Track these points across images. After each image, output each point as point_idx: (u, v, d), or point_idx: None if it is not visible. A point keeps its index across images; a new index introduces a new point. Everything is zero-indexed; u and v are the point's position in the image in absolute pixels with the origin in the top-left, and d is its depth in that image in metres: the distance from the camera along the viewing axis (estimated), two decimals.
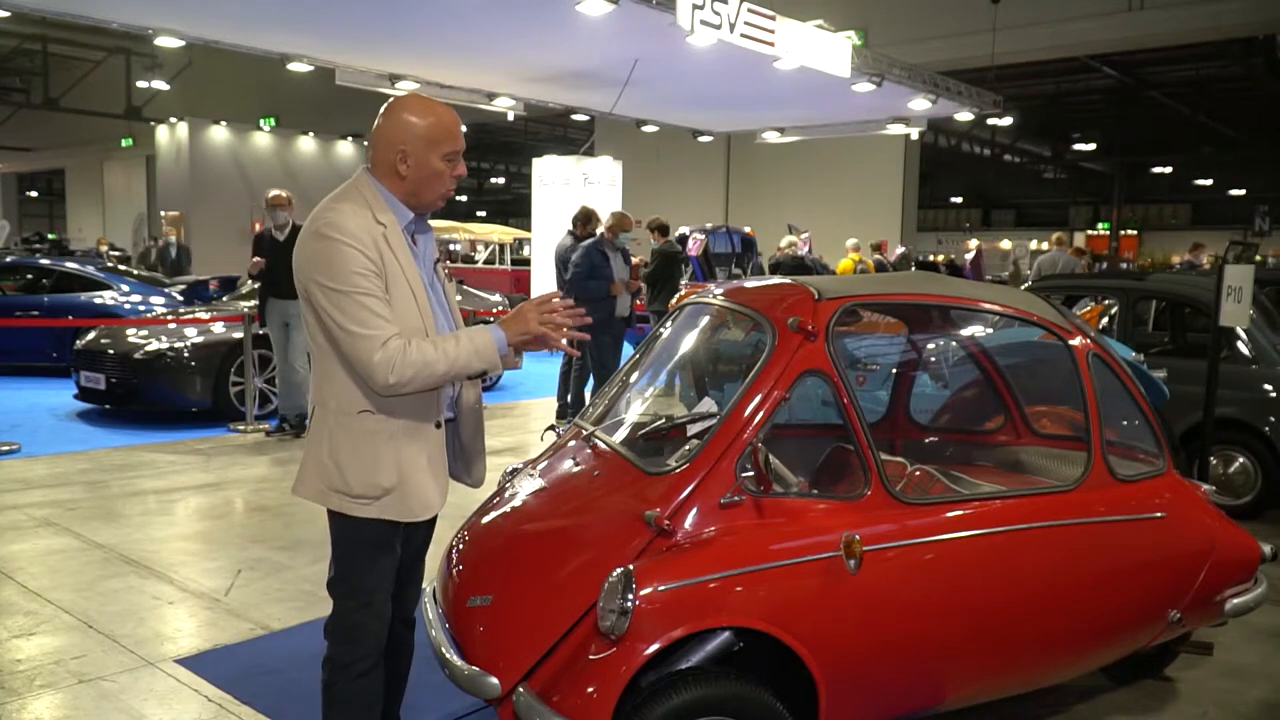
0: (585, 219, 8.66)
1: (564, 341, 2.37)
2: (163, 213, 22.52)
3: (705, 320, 3.64)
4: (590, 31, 9.71)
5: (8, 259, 12.37)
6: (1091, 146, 33.55)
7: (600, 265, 7.93)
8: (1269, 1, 13.88)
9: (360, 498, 2.35)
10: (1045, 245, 11.94)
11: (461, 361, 2.28)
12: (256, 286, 8.06)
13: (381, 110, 2.41)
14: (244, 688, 3.42)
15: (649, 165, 20.51)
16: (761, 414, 2.65)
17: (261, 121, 23.18)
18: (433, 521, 2.65)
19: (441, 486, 2.42)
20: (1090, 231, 40.13)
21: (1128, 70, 22.63)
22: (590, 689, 2.28)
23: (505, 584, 2.67)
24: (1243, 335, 5.94)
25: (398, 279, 2.32)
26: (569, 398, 8.57)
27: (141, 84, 25.31)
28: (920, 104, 13.59)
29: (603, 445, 3.05)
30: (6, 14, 9.83)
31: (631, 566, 2.36)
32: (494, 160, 42.96)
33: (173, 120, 22.45)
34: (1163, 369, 4.96)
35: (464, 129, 2.46)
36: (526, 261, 19.76)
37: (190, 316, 8.83)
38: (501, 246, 20.82)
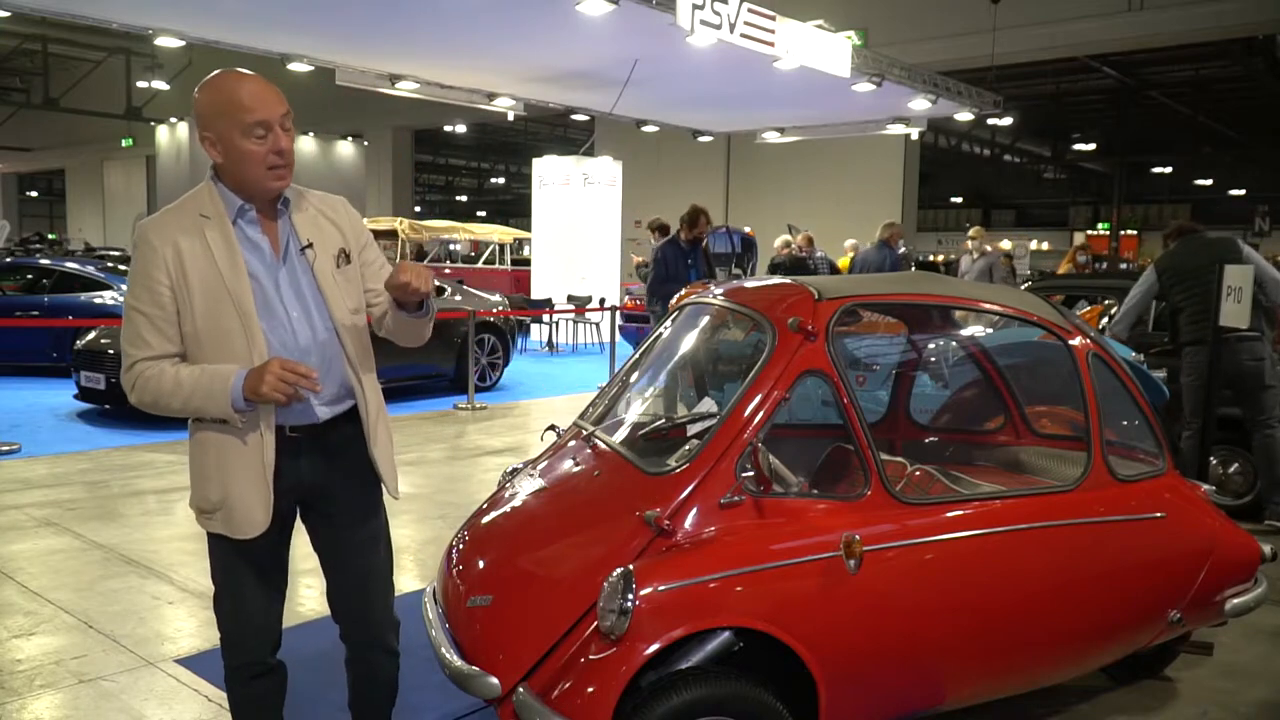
0: (693, 220, 8.03)
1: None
2: None
3: (705, 320, 3.64)
4: (590, 31, 9.71)
5: (7, 259, 12.36)
6: (1091, 146, 33.56)
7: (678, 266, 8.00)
8: (1269, 1, 13.89)
9: (201, 512, 2.31)
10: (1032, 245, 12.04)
11: (195, 403, 2.17)
12: None
13: None
14: None
15: (649, 165, 20.51)
16: (761, 414, 2.65)
17: None
18: (375, 540, 2.48)
19: (265, 503, 2.23)
20: (1090, 231, 40.12)
21: (1128, 70, 22.64)
22: (590, 689, 2.28)
23: (505, 584, 2.67)
24: None
25: (205, 276, 2.16)
26: None
27: (141, 84, 25.37)
28: (920, 104, 13.59)
29: (603, 445, 3.05)
30: (6, 14, 9.84)
31: (631, 566, 2.36)
32: (494, 160, 43.00)
33: (173, 120, 22.41)
34: (1163, 369, 4.96)
35: (270, 94, 2.19)
36: (526, 261, 19.75)
37: None
38: (501, 246, 20.80)
